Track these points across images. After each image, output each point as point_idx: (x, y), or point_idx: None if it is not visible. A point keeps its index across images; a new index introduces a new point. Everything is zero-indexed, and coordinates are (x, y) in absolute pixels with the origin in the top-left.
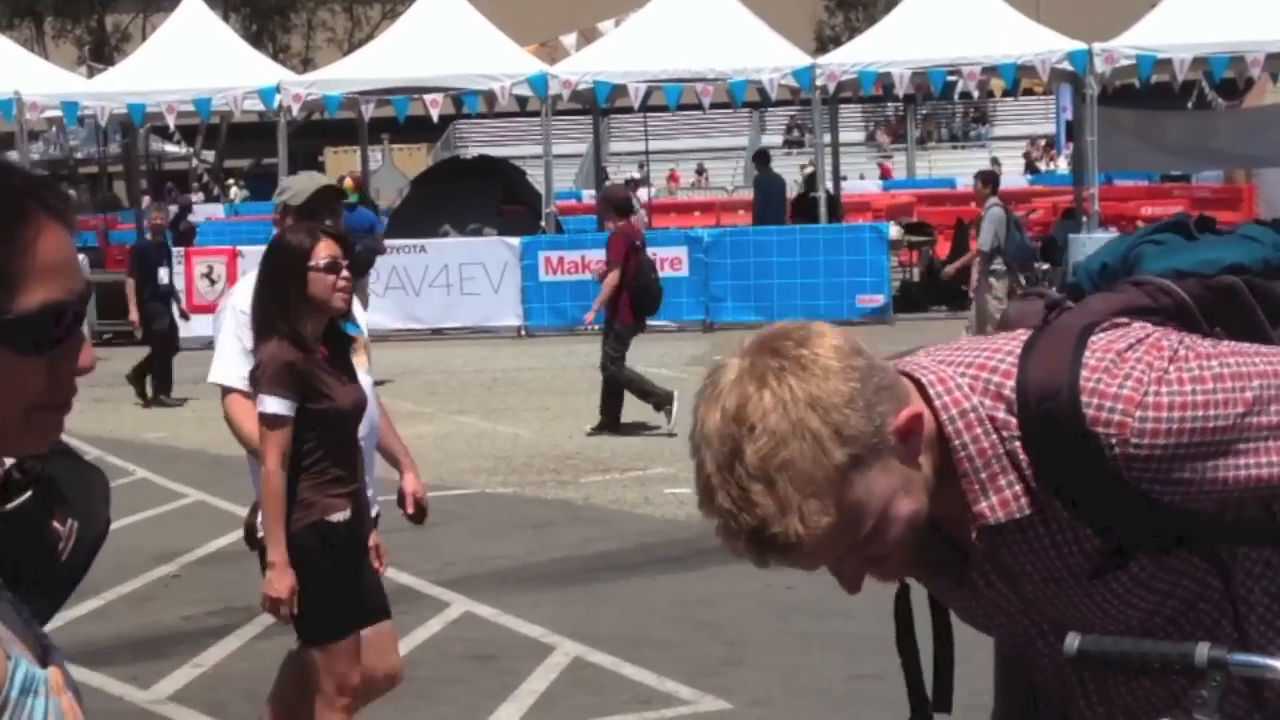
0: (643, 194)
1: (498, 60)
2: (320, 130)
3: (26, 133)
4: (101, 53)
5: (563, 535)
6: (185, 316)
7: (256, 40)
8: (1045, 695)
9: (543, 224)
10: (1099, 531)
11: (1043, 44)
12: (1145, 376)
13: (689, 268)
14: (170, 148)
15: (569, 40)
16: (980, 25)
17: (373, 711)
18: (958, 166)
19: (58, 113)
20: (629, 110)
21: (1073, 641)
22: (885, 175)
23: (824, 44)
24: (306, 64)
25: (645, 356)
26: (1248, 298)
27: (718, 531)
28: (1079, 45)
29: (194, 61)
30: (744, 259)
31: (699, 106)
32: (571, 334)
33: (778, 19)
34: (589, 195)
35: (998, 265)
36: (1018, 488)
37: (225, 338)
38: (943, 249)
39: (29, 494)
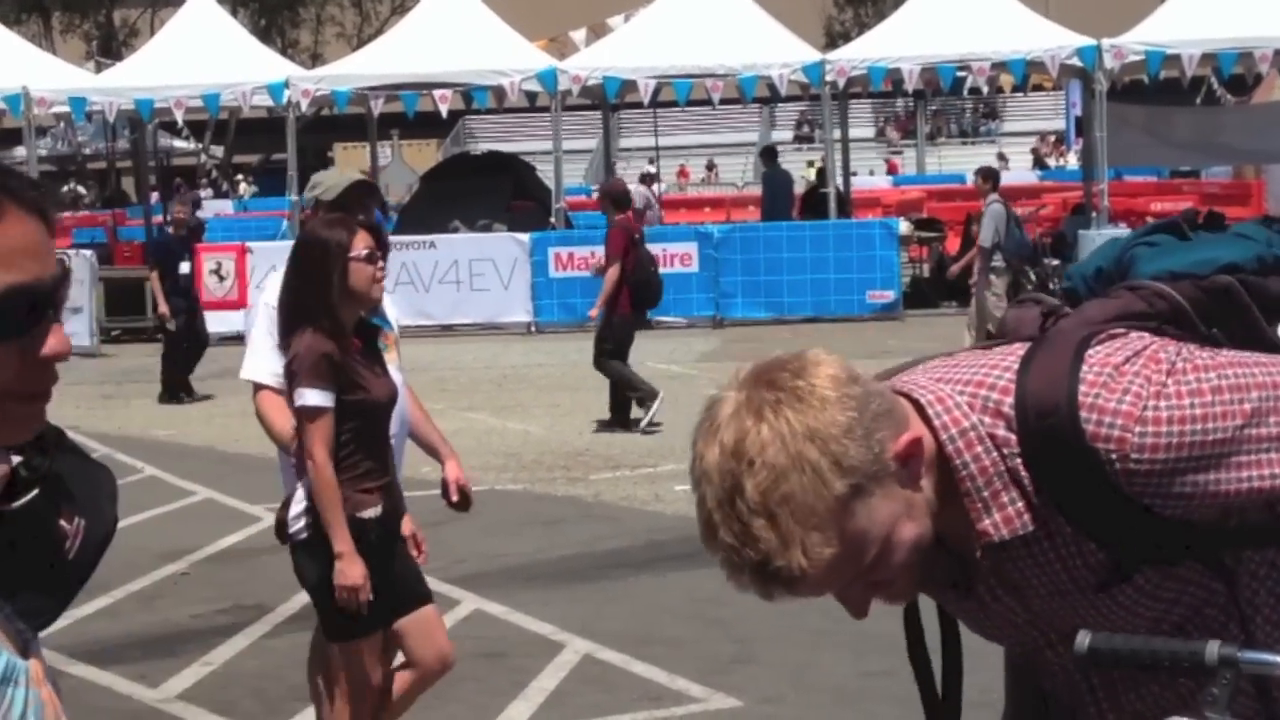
0: (656, 189)
1: (507, 55)
2: (329, 126)
3: (34, 128)
4: (109, 48)
5: (573, 532)
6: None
7: (265, 35)
8: (1055, 700)
9: (553, 220)
10: (1102, 545)
11: (1052, 40)
12: (1144, 391)
13: (699, 264)
14: (179, 143)
15: (578, 36)
16: (990, 21)
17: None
18: (967, 162)
19: (65, 108)
20: (639, 106)
21: (1083, 640)
22: (892, 170)
23: (834, 39)
24: (315, 59)
25: (655, 353)
26: (1243, 297)
27: (722, 565)
28: (1088, 41)
29: (202, 57)
30: (754, 255)
31: (709, 102)
32: (582, 330)
33: (787, 14)
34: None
35: (998, 262)
36: (1020, 504)
37: (258, 334)
38: (953, 244)
39: (35, 492)
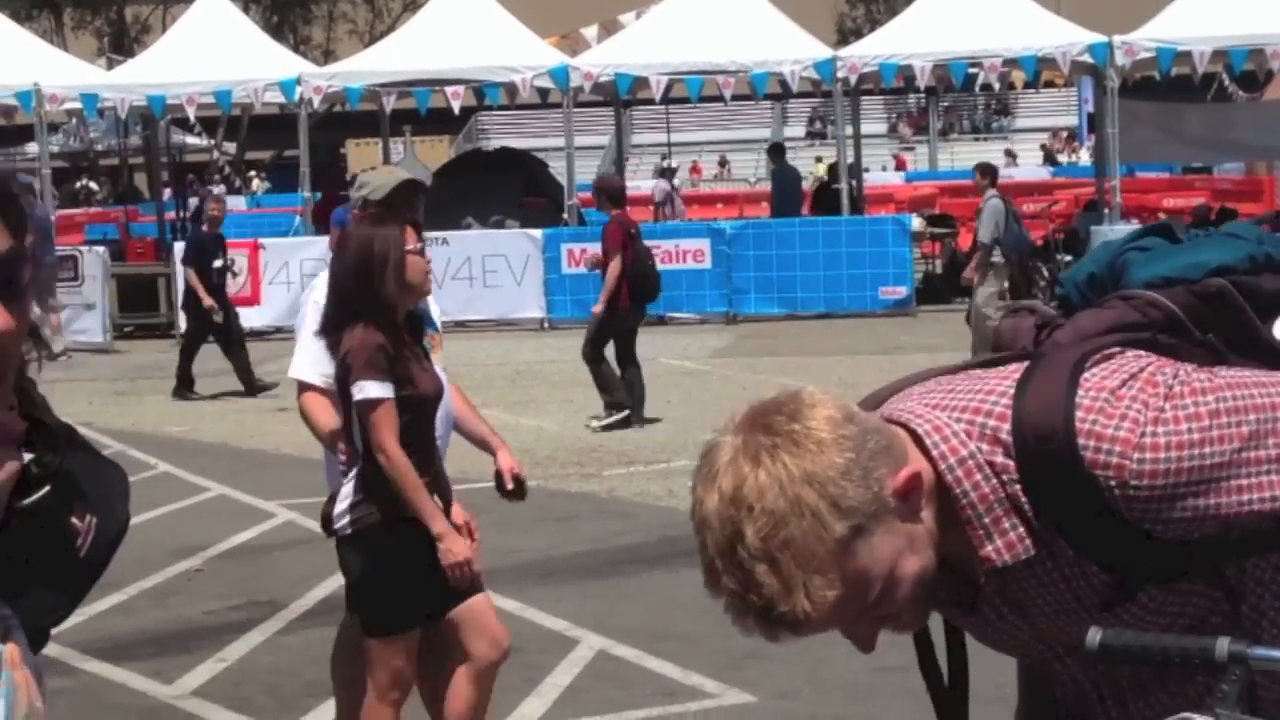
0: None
1: (519, 52)
2: (341, 122)
3: (46, 125)
4: (121, 44)
5: (586, 528)
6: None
7: (277, 32)
8: (1065, 709)
9: (565, 216)
10: (1104, 568)
11: (1063, 36)
12: (1141, 417)
13: (712, 260)
14: (191, 140)
15: (590, 32)
16: (1001, 18)
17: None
18: (979, 158)
19: (77, 104)
20: (651, 102)
21: (1094, 636)
22: (900, 166)
23: (845, 36)
24: (328, 56)
25: (669, 348)
26: (1236, 299)
27: (726, 610)
28: (1099, 38)
29: (214, 53)
30: (767, 251)
31: (721, 99)
32: None
33: (799, 11)
34: None
35: (997, 257)
36: (1021, 529)
37: (306, 334)
38: (965, 240)
39: (47, 489)
